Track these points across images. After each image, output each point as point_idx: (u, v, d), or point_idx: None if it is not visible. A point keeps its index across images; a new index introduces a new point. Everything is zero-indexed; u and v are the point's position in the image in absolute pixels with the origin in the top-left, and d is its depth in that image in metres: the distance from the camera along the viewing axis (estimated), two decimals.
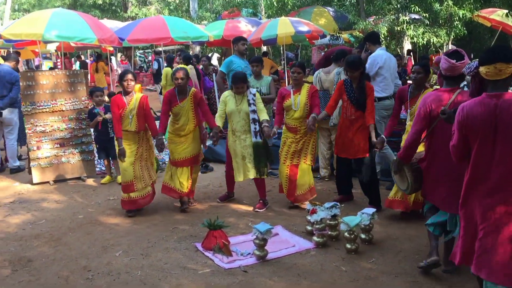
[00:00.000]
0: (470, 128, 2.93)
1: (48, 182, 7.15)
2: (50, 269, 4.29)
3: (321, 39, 15.11)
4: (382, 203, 5.50)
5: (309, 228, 4.86)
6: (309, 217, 4.77)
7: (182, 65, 6.48)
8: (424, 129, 3.84)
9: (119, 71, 17.15)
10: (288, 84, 11.56)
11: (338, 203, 4.86)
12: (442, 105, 3.73)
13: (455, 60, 3.68)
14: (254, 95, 5.67)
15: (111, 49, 17.82)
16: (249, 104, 5.61)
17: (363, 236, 4.60)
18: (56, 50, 18.68)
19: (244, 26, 14.76)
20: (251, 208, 5.74)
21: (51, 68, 16.71)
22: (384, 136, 5.21)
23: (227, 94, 5.77)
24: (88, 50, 21.18)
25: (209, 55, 18.39)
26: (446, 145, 3.21)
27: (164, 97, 5.70)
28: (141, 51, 25.30)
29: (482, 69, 2.93)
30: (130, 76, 5.52)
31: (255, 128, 5.59)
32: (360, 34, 13.10)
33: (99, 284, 3.98)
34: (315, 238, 4.62)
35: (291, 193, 5.67)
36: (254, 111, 5.61)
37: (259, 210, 5.66)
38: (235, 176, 5.73)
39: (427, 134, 3.88)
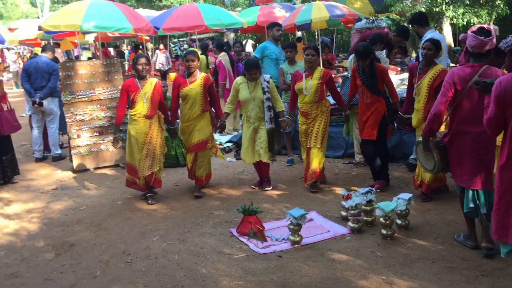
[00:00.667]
0: (507, 102, 2.97)
1: (88, 169, 7.37)
2: (91, 253, 4.44)
3: (357, 23, 14.79)
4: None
5: (343, 213, 4.84)
6: (343, 203, 4.75)
7: (193, 48, 6.55)
8: (448, 101, 3.86)
9: (160, 60, 17.39)
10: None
11: (373, 189, 4.81)
12: (467, 80, 3.78)
13: (483, 37, 3.65)
14: (268, 82, 5.69)
15: (147, 38, 18.04)
16: (264, 92, 5.64)
17: (399, 221, 4.53)
18: (94, 41, 19.07)
19: (279, 12, 14.61)
20: (285, 194, 5.76)
21: (89, 58, 17.11)
22: (402, 115, 5.53)
23: (239, 81, 5.80)
24: (125, 40, 21.51)
25: (243, 42, 18.37)
26: (470, 120, 3.28)
27: (173, 82, 5.78)
28: (175, 40, 25.49)
29: None
30: (143, 60, 5.54)
31: (270, 115, 5.68)
32: (398, 16, 12.77)
33: (138, 267, 4.10)
34: (350, 223, 4.59)
35: (306, 173, 5.83)
36: (268, 99, 5.68)
37: (269, 189, 5.84)
38: (244, 160, 5.90)
39: (451, 109, 3.90)
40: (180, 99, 5.78)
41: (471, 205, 3.86)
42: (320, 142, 5.68)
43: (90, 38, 17.52)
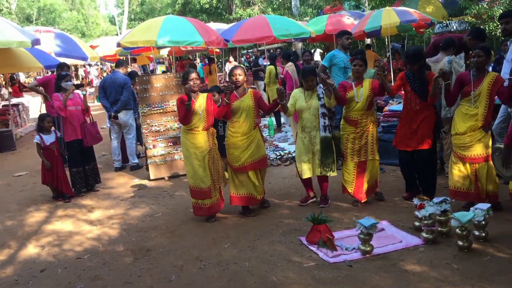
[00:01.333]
0: None
1: (163, 178, 7.68)
2: (166, 259, 4.64)
3: (436, 26, 14.31)
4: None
5: (417, 223, 4.71)
6: (417, 213, 4.63)
7: (238, 64, 6.50)
8: None
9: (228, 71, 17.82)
10: (392, 76, 11.20)
11: (449, 198, 4.64)
12: None
13: None
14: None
15: (217, 50, 18.53)
16: (319, 99, 5.57)
17: (476, 233, 4.35)
18: (168, 55, 19.89)
19: (347, 20, 14.48)
20: (355, 204, 5.69)
21: (163, 72, 17.84)
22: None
23: (297, 91, 5.78)
24: (196, 53, 22.22)
25: (312, 50, 18.35)
26: None
27: (222, 97, 5.77)
28: (244, 51, 25.95)
29: None
30: (194, 75, 5.57)
31: (324, 123, 5.54)
32: (473, 19, 12.22)
33: (210, 273, 4.22)
34: (423, 234, 4.46)
35: (360, 190, 5.60)
36: (323, 105, 5.56)
37: (324, 206, 5.64)
38: (301, 173, 5.68)
39: None
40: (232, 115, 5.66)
41: None
42: (376, 153, 5.62)
43: (164, 52, 18.30)
